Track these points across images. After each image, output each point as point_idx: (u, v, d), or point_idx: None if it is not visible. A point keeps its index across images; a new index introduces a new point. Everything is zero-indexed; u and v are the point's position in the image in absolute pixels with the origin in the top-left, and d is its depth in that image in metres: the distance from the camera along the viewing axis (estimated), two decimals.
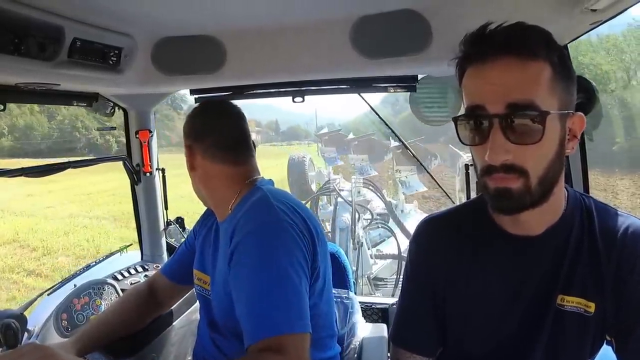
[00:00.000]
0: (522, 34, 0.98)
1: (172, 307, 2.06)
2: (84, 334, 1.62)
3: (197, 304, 2.12)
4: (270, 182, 1.64)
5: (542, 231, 1.10)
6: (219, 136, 1.59)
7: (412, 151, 3.86)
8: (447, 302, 1.21)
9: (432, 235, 1.28)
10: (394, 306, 2.62)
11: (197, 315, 2.00)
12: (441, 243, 1.23)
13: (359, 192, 7.02)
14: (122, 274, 2.38)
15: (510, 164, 0.97)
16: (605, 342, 1.12)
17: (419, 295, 1.26)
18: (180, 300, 2.08)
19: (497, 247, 1.15)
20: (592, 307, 1.07)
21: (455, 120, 1.04)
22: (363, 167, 9.19)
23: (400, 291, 1.34)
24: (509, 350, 1.14)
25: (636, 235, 1.07)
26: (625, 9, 1.26)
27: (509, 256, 1.13)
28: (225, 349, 1.56)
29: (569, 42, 1.57)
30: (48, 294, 2.26)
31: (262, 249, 1.36)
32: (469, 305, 1.17)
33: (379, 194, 7.38)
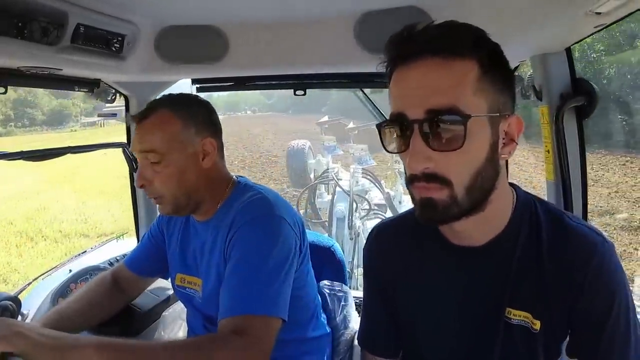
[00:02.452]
0: (446, 32, 0.92)
1: (165, 298, 2.07)
2: (47, 320, 1.54)
3: None
4: (246, 178, 1.66)
5: (486, 242, 1.05)
6: (221, 131, 1.59)
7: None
8: (399, 309, 1.20)
9: (381, 243, 1.27)
10: None
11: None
12: (389, 251, 1.22)
13: (357, 182, 7.01)
14: (118, 261, 2.37)
15: (432, 173, 0.92)
16: None
17: (374, 300, 1.28)
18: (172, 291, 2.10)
19: (441, 257, 1.11)
20: (537, 324, 1.02)
21: (379, 127, 0.99)
22: (362, 156, 9.17)
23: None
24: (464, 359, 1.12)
25: (587, 253, 0.99)
26: (630, 14, 1.26)
27: (453, 267, 1.09)
28: None
29: (572, 45, 1.58)
30: (42, 279, 2.28)
31: (253, 239, 1.41)
32: (419, 314, 1.16)
33: (377, 184, 7.36)
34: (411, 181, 0.95)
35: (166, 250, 1.76)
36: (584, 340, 1.01)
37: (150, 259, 1.80)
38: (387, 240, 1.25)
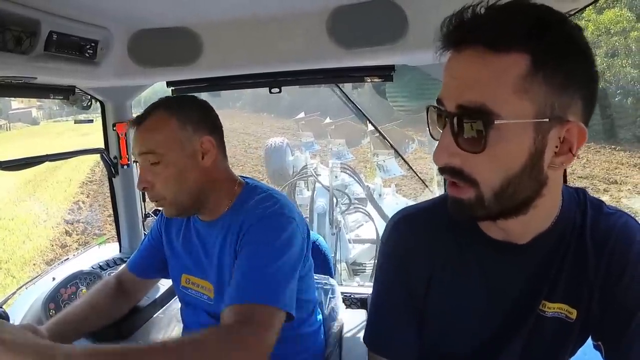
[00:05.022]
0: (496, 17, 0.80)
1: (155, 298, 2.09)
2: (57, 324, 1.55)
3: None
4: (252, 179, 1.68)
5: (530, 239, 0.99)
6: (221, 130, 1.59)
7: (388, 138, 3.90)
8: (427, 304, 1.10)
9: (411, 233, 1.13)
10: None
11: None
12: (422, 241, 1.10)
13: (336, 176, 7.02)
14: (100, 267, 2.38)
15: (458, 169, 0.86)
16: (593, 346, 1.05)
17: (397, 297, 1.13)
18: (166, 290, 2.13)
19: (481, 251, 1.04)
20: (574, 313, 1.01)
21: (427, 109, 0.93)
22: (340, 151, 9.16)
23: (373, 291, 1.20)
24: (485, 354, 1.07)
25: (627, 240, 0.99)
26: None
27: (494, 262, 1.03)
28: None
29: None
30: (26, 288, 2.28)
31: (264, 236, 1.42)
32: (449, 309, 1.08)
33: (356, 178, 7.37)
34: (441, 172, 0.90)
35: (165, 252, 1.76)
36: (612, 324, 0.99)
37: (151, 260, 1.81)
38: (417, 230, 1.12)
